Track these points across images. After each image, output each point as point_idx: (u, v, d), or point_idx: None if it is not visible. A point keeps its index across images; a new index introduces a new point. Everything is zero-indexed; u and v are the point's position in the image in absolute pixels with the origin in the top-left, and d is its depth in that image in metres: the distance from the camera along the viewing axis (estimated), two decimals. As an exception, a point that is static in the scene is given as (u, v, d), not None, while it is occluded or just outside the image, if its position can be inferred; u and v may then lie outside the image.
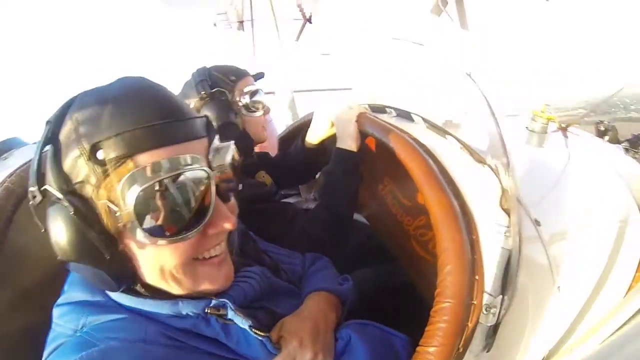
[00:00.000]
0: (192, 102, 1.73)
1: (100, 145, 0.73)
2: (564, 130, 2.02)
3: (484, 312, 1.01)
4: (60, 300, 0.88)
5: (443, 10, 4.33)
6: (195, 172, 0.78)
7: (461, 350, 0.99)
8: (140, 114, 0.76)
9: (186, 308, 0.86)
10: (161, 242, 0.77)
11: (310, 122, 1.99)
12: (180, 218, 0.77)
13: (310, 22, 8.33)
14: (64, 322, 0.82)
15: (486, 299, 1.03)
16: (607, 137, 2.05)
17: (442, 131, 1.46)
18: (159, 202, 0.74)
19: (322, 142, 1.98)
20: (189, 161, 0.77)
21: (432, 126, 1.52)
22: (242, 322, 0.90)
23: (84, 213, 0.74)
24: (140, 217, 0.74)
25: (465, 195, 1.20)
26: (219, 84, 1.78)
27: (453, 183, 1.23)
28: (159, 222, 0.75)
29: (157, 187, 0.74)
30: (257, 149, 2.16)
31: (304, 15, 8.07)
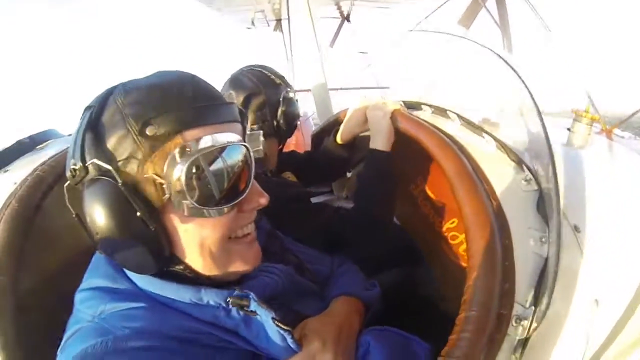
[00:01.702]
0: (240, 95, 1.85)
1: (149, 122, 0.76)
2: (608, 132, 1.93)
3: (513, 324, 0.96)
4: (82, 286, 0.90)
5: (482, 5, 4.22)
6: (237, 148, 0.83)
7: None
8: (187, 96, 0.81)
9: (208, 296, 0.86)
10: (205, 213, 0.81)
11: (342, 119, 1.97)
12: (224, 189, 0.82)
13: (349, 21, 8.33)
14: (84, 308, 0.84)
15: (517, 309, 0.97)
16: None
17: (478, 129, 1.40)
18: (204, 175, 0.79)
19: (355, 139, 1.96)
20: (231, 138, 0.82)
21: (468, 124, 1.46)
22: (266, 314, 0.90)
23: (130, 186, 0.76)
24: (187, 188, 0.77)
25: (500, 197, 1.15)
26: (269, 84, 1.90)
27: (488, 183, 1.18)
28: (205, 194, 0.79)
29: (203, 161, 0.78)
30: (287, 147, 2.18)
31: (341, 13, 8.07)
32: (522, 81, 1.25)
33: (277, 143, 2.04)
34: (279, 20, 8.60)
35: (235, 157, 0.83)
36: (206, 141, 0.79)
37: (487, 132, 1.37)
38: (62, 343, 0.81)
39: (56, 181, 1.25)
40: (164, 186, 0.77)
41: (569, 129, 1.71)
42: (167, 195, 0.78)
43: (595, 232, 1.15)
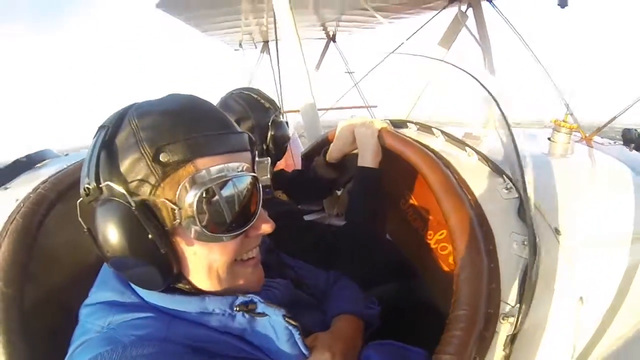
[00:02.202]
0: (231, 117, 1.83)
1: (163, 148, 0.79)
2: (588, 140, 2.00)
3: (501, 321, 1.00)
4: (88, 301, 0.91)
5: (462, 24, 4.34)
6: (246, 177, 0.86)
7: None
8: (200, 123, 0.84)
9: (212, 304, 0.89)
10: (214, 238, 0.83)
11: (331, 139, 2.01)
12: (233, 217, 0.84)
13: (334, 41, 8.42)
14: (92, 320, 0.85)
15: (503, 308, 1.02)
16: (633, 145, 1.99)
17: (461, 144, 1.47)
18: (214, 203, 0.81)
19: (344, 158, 1.99)
20: (241, 168, 0.86)
21: (452, 139, 1.53)
22: (275, 313, 0.93)
23: (142, 209, 0.78)
24: (198, 214, 0.80)
25: (483, 205, 1.20)
26: (258, 108, 1.93)
27: (471, 193, 1.24)
28: (214, 220, 0.82)
29: (213, 189, 0.80)
30: (275, 167, 2.21)
31: (327, 34, 8.16)
32: (493, 98, 1.33)
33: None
34: (266, 42, 8.66)
35: (244, 187, 0.85)
36: (217, 170, 0.81)
37: (469, 146, 1.43)
38: (69, 354, 0.82)
39: (58, 199, 1.28)
40: (175, 211, 0.80)
41: (549, 139, 1.78)
42: (177, 220, 0.81)
43: (577, 234, 1.21)
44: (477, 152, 1.40)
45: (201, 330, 0.87)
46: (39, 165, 1.66)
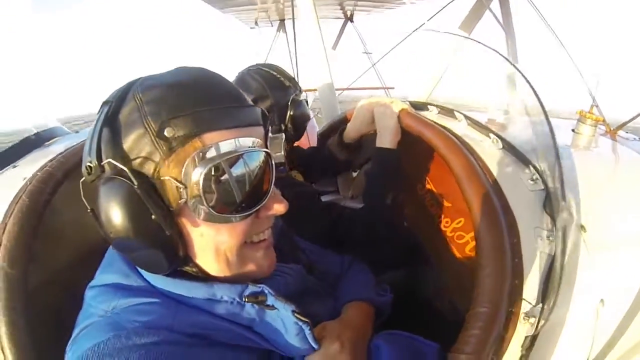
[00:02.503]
0: (249, 95, 1.78)
1: (168, 123, 0.74)
2: (613, 133, 1.94)
3: (522, 321, 0.97)
4: (93, 282, 0.89)
5: (487, 7, 4.22)
6: (258, 153, 0.81)
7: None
8: (208, 96, 0.78)
9: (221, 291, 0.85)
10: (222, 219, 0.79)
11: (349, 119, 1.96)
12: (243, 196, 0.79)
13: (352, 21, 8.34)
14: (96, 303, 0.83)
15: (525, 307, 0.98)
16: None
17: (485, 129, 1.41)
18: (223, 181, 0.76)
19: (361, 138, 1.95)
20: (252, 144, 0.80)
21: (475, 124, 1.47)
22: (285, 307, 0.90)
23: (146, 188, 0.75)
24: (205, 193, 0.75)
25: (507, 196, 1.15)
26: (277, 86, 1.86)
27: (495, 182, 1.19)
28: (223, 199, 0.77)
29: (222, 166, 0.76)
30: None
31: (345, 14, 8.08)
32: (528, 82, 1.26)
33: (287, 146, 1.97)
34: (282, 21, 8.60)
35: (255, 164, 0.81)
36: (226, 146, 0.77)
37: (493, 132, 1.37)
38: (73, 337, 0.80)
39: (65, 177, 1.26)
40: (181, 190, 0.76)
41: (573, 130, 1.72)
42: (183, 199, 0.76)
43: (601, 232, 1.16)
44: (502, 139, 1.34)
45: (208, 317, 0.84)
46: (48, 143, 1.66)
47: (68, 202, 0.91)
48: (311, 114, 2.20)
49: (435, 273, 1.79)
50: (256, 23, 9.11)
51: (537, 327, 0.96)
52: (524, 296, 0.99)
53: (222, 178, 0.76)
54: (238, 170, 0.78)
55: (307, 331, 0.90)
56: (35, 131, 1.76)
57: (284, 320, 0.89)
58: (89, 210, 0.79)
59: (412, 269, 1.96)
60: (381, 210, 1.66)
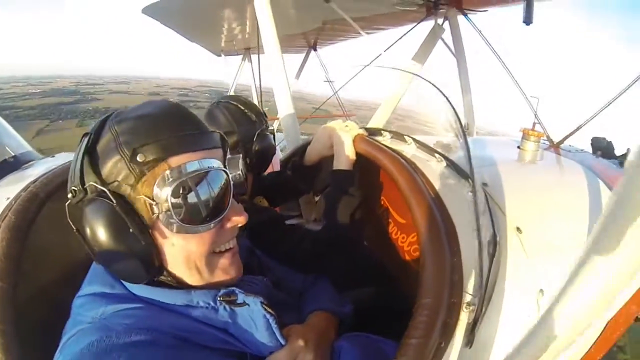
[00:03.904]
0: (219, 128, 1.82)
1: (139, 150, 0.87)
2: (556, 147, 2.08)
3: (464, 309, 1.08)
4: (80, 293, 0.98)
5: (439, 37, 4.44)
6: (218, 172, 0.95)
7: (443, 345, 1.05)
8: (171, 126, 0.92)
9: (197, 297, 0.97)
10: (189, 229, 0.92)
11: (309, 144, 2.07)
12: (205, 209, 0.93)
13: (315, 50, 8.46)
14: (83, 311, 0.92)
15: (466, 297, 1.10)
16: (600, 152, 2.09)
17: (431, 150, 1.57)
18: (188, 197, 0.90)
19: (321, 162, 2.05)
20: (212, 164, 0.94)
21: (423, 146, 1.62)
22: (254, 301, 1.01)
23: (123, 206, 0.87)
24: (173, 208, 0.88)
25: (448, 206, 1.29)
26: (243, 121, 1.91)
27: (437, 195, 1.33)
28: (188, 212, 0.90)
29: (188, 184, 0.89)
30: None
31: (308, 42, 8.20)
32: (452, 106, 1.41)
33: (252, 177, 2.07)
34: (247, 49, 8.65)
35: (215, 181, 0.94)
36: (189, 167, 0.90)
37: (438, 152, 1.53)
38: (62, 344, 0.88)
39: (48, 197, 1.35)
40: (153, 206, 0.89)
41: (518, 147, 1.87)
42: (155, 214, 0.90)
43: (537, 233, 1.29)
44: (446, 158, 1.49)
45: (187, 321, 0.95)
46: (25, 165, 1.73)
47: (51, 222, 1.00)
48: (277, 148, 2.25)
49: (398, 288, 1.86)
50: (222, 52, 9.14)
51: (477, 314, 1.08)
52: (465, 289, 1.11)
53: (187, 194, 0.90)
54: (200, 187, 0.92)
55: (273, 324, 1.01)
56: (13, 154, 1.82)
57: (253, 318, 1.00)
58: (75, 230, 0.90)
59: (376, 286, 2.02)
60: (341, 228, 1.73)
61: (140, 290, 0.95)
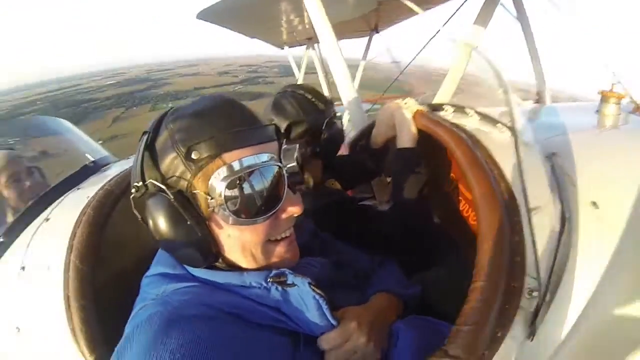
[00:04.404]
0: (282, 122, 1.83)
1: (194, 147, 0.92)
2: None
3: (525, 295, 1.00)
4: (148, 273, 1.06)
5: (498, 2, 4.19)
6: (271, 167, 0.97)
7: (499, 334, 0.98)
8: (225, 122, 0.94)
9: (250, 278, 1.00)
10: (243, 222, 0.95)
11: (374, 125, 2.05)
12: (258, 203, 0.95)
13: (377, 32, 8.31)
14: (149, 289, 1.00)
15: (529, 282, 1.02)
16: None
17: (493, 121, 1.49)
18: (242, 191, 0.93)
19: (388, 142, 2.03)
20: (265, 158, 0.96)
21: (485, 117, 1.55)
22: (302, 282, 1.03)
23: (180, 200, 0.93)
24: (228, 203, 0.92)
25: (510, 178, 1.22)
26: (311, 110, 1.89)
27: (498, 168, 1.26)
28: (242, 206, 0.94)
29: (241, 179, 0.92)
30: None
31: (369, 25, 8.06)
32: (492, 67, 1.33)
33: (321, 164, 2.07)
34: (309, 39, 8.64)
35: (269, 174, 0.96)
36: (243, 162, 0.93)
37: (501, 123, 1.46)
38: (131, 316, 0.96)
39: (122, 194, 1.48)
40: (209, 200, 0.93)
41: (597, 111, 1.73)
42: (211, 208, 0.94)
43: (617, 208, 1.17)
44: (509, 128, 1.41)
45: (240, 299, 0.98)
46: (104, 168, 1.96)
47: (126, 215, 1.11)
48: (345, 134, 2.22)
49: (469, 269, 1.81)
50: (284, 45, 9.18)
51: (540, 301, 1.00)
52: (527, 272, 1.03)
53: (241, 188, 0.93)
54: (254, 181, 0.95)
55: (323, 305, 1.02)
56: (92, 159, 2.08)
57: (303, 297, 1.02)
58: (139, 219, 0.98)
59: (446, 267, 1.97)
60: (410, 206, 1.72)
61: (198, 271, 1.01)
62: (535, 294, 1.01)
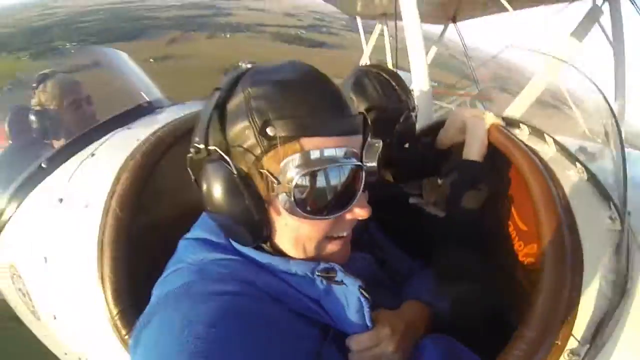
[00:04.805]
0: (362, 104, 1.76)
1: (271, 122, 0.81)
2: None
3: (565, 357, 0.95)
4: (187, 235, 1.02)
5: (597, 22, 3.95)
6: (350, 165, 0.86)
7: None
8: (311, 103, 0.84)
9: (295, 266, 0.95)
10: (306, 216, 0.86)
11: (442, 125, 1.94)
12: (328, 201, 0.86)
13: (454, 22, 8.08)
14: (187, 253, 0.96)
15: (572, 343, 0.96)
16: None
17: (572, 157, 1.38)
18: (313, 183, 0.83)
19: (451, 146, 1.93)
20: (347, 154, 0.85)
21: (563, 150, 1.44)
22: (353, 283, 0.96)
23: (243, 176, 0.85)
24: (296, 192, 0.82)
25: (581, 230, 1.13)
26: (393, 99, 1.80)
27: (571, 214, 1.17)
28: (310, 199, 0.84)
29: (314, 171, 0.82)
30: None
31: (447, 14, 7.84)
32: (612, 112, 1.22)
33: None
34: (384, 15, 8.44)
35: (347, 174, 0.86)
36: (321, 153, 0.82)
37: (580, 162, 1.34)
38: (162, 277, 0.93)
39: (174, 143, 1.44)
40: (274, 184, 0.84)
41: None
42: (275, 193, 0.85)
43: None
44: (588, 171, 1.31)
45: (281, 283, 0.93)
46: (158, 110, 1.91)
47: (174, 165, 1.07)
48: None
49: (505, 298, 1.76)
50: (357, 14, 9.01)
51: None
52: (573, 332, 0.98)
53: (311, 181, 0.83)
54: (328, 177, 0.84)
55: (366, 308, 0.96)
56: (147, 99, 2.02)
57: (347, 296, 0.96)
58: (193, 180, 0.91)
59: (483, 288, 1.91)
60: (462, 222, 1.64)
61: (243, 247, 0.95)
62: (575, 357, 0.95)
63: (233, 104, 0.87)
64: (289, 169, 0.82)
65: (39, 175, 1.59)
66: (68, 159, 1.59)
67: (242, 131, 0.84)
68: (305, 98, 0.84)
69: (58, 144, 2.11)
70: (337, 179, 0.85)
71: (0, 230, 1.66)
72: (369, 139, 0.93)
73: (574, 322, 0.99)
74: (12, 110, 2.44)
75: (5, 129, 2.37)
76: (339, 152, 0.84)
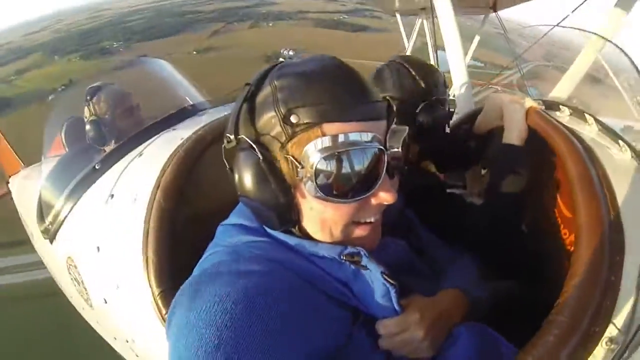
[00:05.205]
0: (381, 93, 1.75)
1: (294, 111, 0.87)
2: None
3: (603, 345, 0.90)
4: (225, 222, 1.09)
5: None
6: (372, 149, 0.89)
7: None
8: (332, 91, 0.88)
9: (323, 249, 0.99)
10: (329, 199, 0.90)
11: (479, 111, 1.91)
12: (350, 184, 0.89)
13: (495, 10, 7.86)
14: (223, 237, 1.03)
15: (611, 331, 0.91)
16: None
17: (615, 136, 1.34)
18: (336, 167, 0.87)
19: (490, 133, 1.89)
20: (369, 138, 0.88)
21: (606, 129, 1.40)
22: (375, 268, 0.99)
23: (269, 162, 0.91)
24: (318, 175, 0.87)
25: (623, 210, 1.08)
26: (410, 88, 1.81)
27: (612, 194, 1.12)
28: (332, 183, 0.88)
29: (338, 155, 0.86)
30: None
31: (487, 3, 7.64)
32: None
33: (417, 147, 1.94)
34: (423, 9, 8.34)
35: (369, 157, 0.89)
36: (344, 137, 0.85)
37: (624, 140, 1.30)
38: (201, 260, 1.00)
39: (214, 141, 1.55)
40: (299, 169, 0.89)
41: None
42: (299, 177, 0.90)
43: None
44: (632, 149, 1.27)
45: (310, 265, 0.97)
46: (200, 113, 2.04)
47: (215, 160, 1.13)
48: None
49: (545, 290, 1.70)
50: (395, 12, 8.94)
51: (618, 357, 0.91)
52: (613, 319, 0.93)
53: (335, 166, 0.87)
54: (351, 160, 0.87)
55: (392, 293, 0.98)
56: (191, 103, 2.20)
57: (373, 281, 0.98)
58: (227, 168, 0.98)
59: (524, 281, 1.83)
60: (502, 209, 1.62)
61: (274, 231, 1.01)
62: (614, 346, 0.90)
63: (261, 96, 0.93)
64: (311, 154, 0.86)
65: (93, 176, 1.75)
66: (119, 160, 1.74)
67: (269, 121, 0.90)
68: (327, 86, 0.88)
69: (110, 149, 2.27)
70: (359, 162, 0.88)
71: (58, 228, 1.82)
72: (393, 125, 0.96)
73: (614, 307, 0.94)
74: (67, 122, 2.68)
75: (62, 138, 2.63)
76: (360, 137, 0.87)
